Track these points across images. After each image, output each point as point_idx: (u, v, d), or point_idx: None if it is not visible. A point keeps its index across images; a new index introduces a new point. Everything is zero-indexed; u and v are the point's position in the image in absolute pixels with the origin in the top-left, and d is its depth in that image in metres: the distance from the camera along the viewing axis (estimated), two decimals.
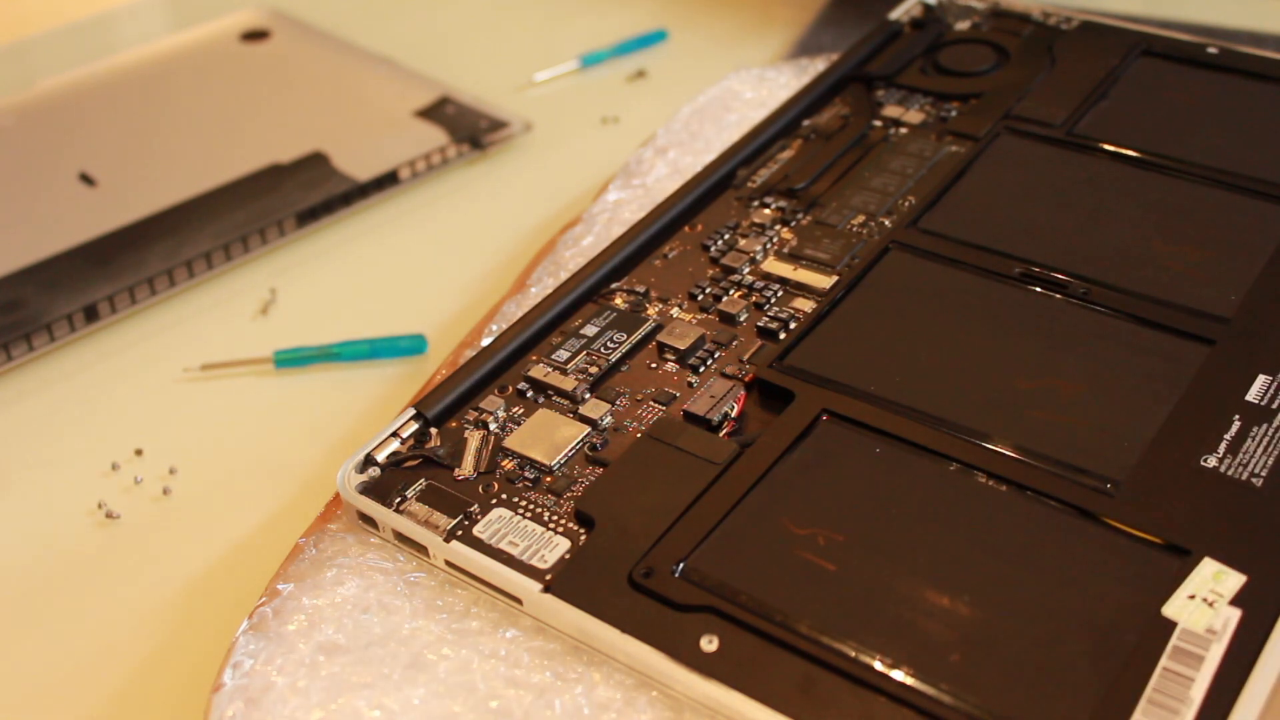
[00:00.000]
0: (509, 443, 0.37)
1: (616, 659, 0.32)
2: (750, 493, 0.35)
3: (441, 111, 0.59)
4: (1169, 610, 0.31)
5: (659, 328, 0.41)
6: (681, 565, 0.33)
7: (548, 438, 0.37)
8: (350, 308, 0.50)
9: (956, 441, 0.35)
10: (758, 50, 0.64)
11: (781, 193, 0.47)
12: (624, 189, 0.51)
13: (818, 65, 0.57)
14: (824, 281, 0.42)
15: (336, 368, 0.47)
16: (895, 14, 0.56)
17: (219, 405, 0.46)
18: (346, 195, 0.54)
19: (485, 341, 0.42)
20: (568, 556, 0.34)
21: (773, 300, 0.42)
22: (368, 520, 0.36)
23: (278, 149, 0.56)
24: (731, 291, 0.42)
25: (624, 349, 0.40)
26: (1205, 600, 0.31)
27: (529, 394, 0.39)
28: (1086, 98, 0.49)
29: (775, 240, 0.45)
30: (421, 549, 0.35)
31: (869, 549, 0.33)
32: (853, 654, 0.30)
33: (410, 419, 0.38)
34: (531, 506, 0.35)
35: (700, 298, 0.42)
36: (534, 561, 0.34)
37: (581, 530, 0.34)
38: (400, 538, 0.35)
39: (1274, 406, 0.36)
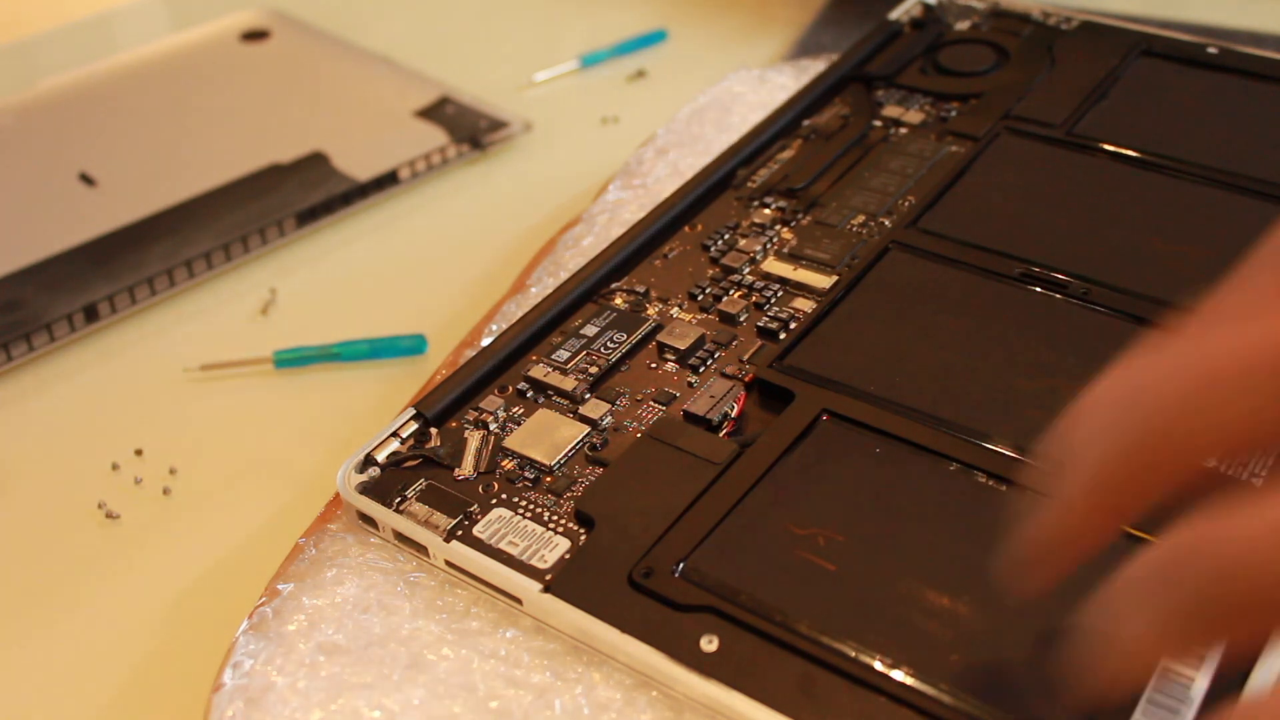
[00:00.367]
0: (509, 443, 0.37)
1: (616, 659, 0.32)
2: (750, 493, 0.35)
3: (441, 111, 0.59)
4: None
5: (659, 328, 0.41)
6: (681, 565, 0.33)
7: (548, 438, 0.37)
8: (350, 308, 0.50)
9: (956, 441, 0.35)
10: (758, 50, 0.64)
11: (781, 193, 0.47)
12: (624, 189, 0.51)
13: (818, 65, 0.57)
14: (824, 281, 0.42)
15: (336, 368, 0.47)
16: (895, 14, 0.56)
17: (219, 405, 0.46)
18: (346, 195, 0.54)
19: (485, 341, 0.42)
20: (567, 556, 0.34)
21: (773, 300, 0.42)
22: (368, 520, 0.36)
23: (278, 149, 0.56)
24: (731, 291, 0.42)
25: (624, 349, 0.40)
26: None
27: (529, 394, 0.39)
28: (1086, 98, 0.49)
29: (775, 240, 0.45)
30: (421, 549, 0.35)
31: (869, 549, 0.33)
32: (853, 654, 0.30)
33: (410, 419, 0.38)
34: (531, 506, 0.35)
35: (700, 298, 0.42)
36: (534, 561, 0.34)
37: (581, 530, 0.34)
38: (400, 538, 0.35)
39: None
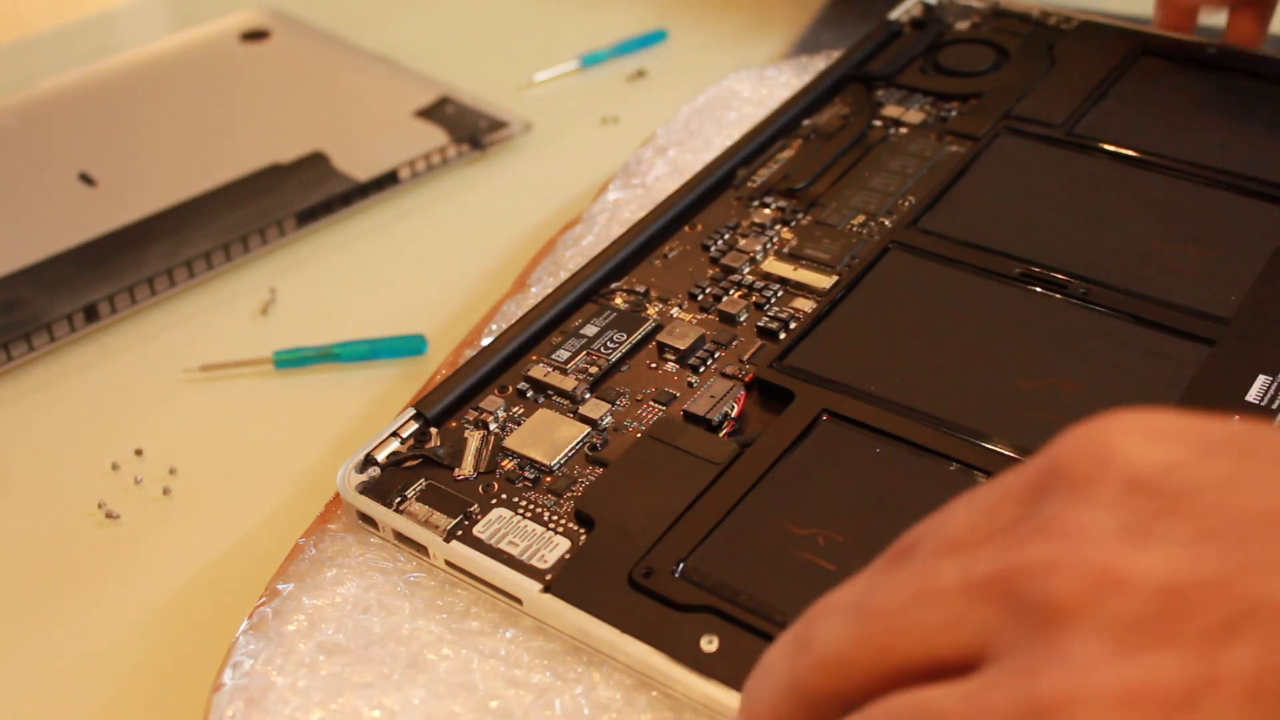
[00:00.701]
0: (509, 443, 0.37)
1: (616, 659, 0.32)
2: (750, 493, 0.35)
3: (441, 111, 0.59)
4: None
5: (659, 328, 0.41)
6: (681, 565, 0.33)
7: (548, 438, 0.37)
8: (350, 308, 0.50)
9: (956, 441, 0.35)
10: (758, 50, 0.64)
11: (781, 193, 0.47)
12: (624, 189, 0.51)
13: (818, 64, 0.57)
14: (824, 281, 0.42)
15: (336, 368, 0.47)
16: (895, 14, 0.56)
17: (219, 405, 0.46)
18: (346, 195, 0.54)
19: (485, 341, 0.42)
20: (568, 556, 0.34)
21: (773, 300, 0.42)
22: (368, 520, 0.36)
23: (278, 149, 0.56)
24: (731, 291, 0.42)
25: (624, 349, 0.40)
26: None
27: (529, 394, 0.39)
28: (1086, 98, 0.49)
29: (775, 240, 0.45)
30: (421, 549, 0.35)
31: (869, 549, 0.33)
32: None
33: (410, 419, 0.38)
34: (531, 506, 0.35)
35: (700, 298, 0.42)
36: (534, 561, 0.34)
37: (581, 530, 0.34)
38: (400, 538, 0.35)
39: (1274, 407, 0.36)
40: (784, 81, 0.56)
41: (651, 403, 0.38)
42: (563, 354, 0.40)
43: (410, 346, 0.47)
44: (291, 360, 0.47)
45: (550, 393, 0.39)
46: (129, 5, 0.73)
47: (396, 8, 0.71)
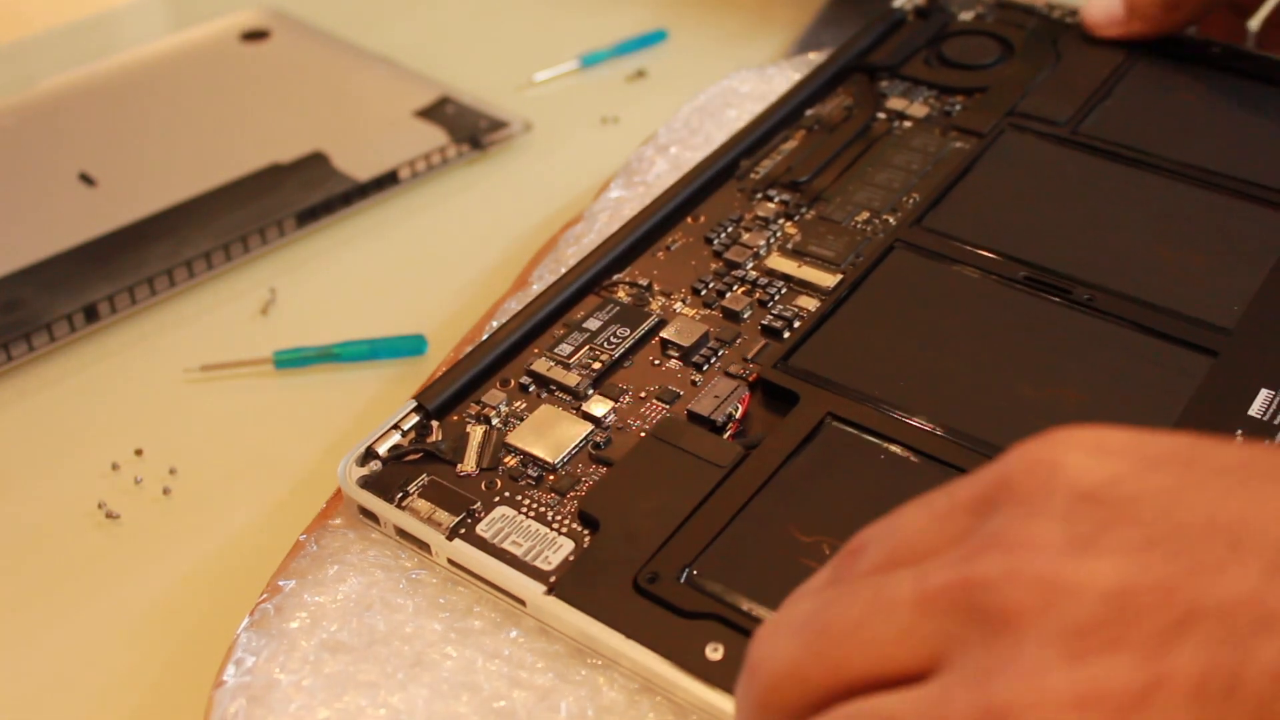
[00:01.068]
0: (511, 439, 0.37)
1: (620, 664, 0.32)
2: (755, 498, 0.34)
3: (441, 111, 0.58)
4: None
5: (662, 323, 0.41)
6: (687, 571, 0.33)
7: (550, 434, 0.37)
8: (350, 308, 0.50)
9: (962, 449, 0.35)
10: (758, 50, 0.64)
11: (785, 185, 0.46)
12: (625, 187, 0.51)
13: (820, 61, 0.56)
14: (828, 280, 0.42)
15: (336, 368, 0.47)
16: (899, 1, 0.55)
17: (219, 405, 0.46)
18: (346, 195, 0.54)
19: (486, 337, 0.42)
20: (572, 558, 0.33)
21: (776, 297, 0.42)
22: (369, 515, 0.36)
23: (278, 149, 0.56)
24: (735, 287, 0.42)
25: (627, 345, 0.40)
26: None
27: (531, 388, 0.39)
28: (1091, 95, 0.49)
29: (779, 235, 0.44)
30: (424, 546, 0.35)
31: None
32: None
33: (411, 411, 0.37)
34: (535, 505, 0.35)
35: (704, 293, 0.42)
36: (538, 563, 0.33)
37: (585, 531, 0.34)
38: (402, 534, 0.35)
39: (1276, 422, 0.35)
40: (785, 81, 0.56)
41: (655, 400, 0.38)
42: (565, 348, 0.40)
43: (410, 346, 0.47)
44: (291, 360, 0.46)
45: (553, 387, 0.39)
46: (129, 5, 0.73)
47: (396, 8, 0.71)
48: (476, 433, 0.37)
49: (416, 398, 0.38)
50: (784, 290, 0.42)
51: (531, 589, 0.33)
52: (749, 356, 0.39)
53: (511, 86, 0.63)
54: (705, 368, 0.39)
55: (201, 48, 0.64)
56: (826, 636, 0.23)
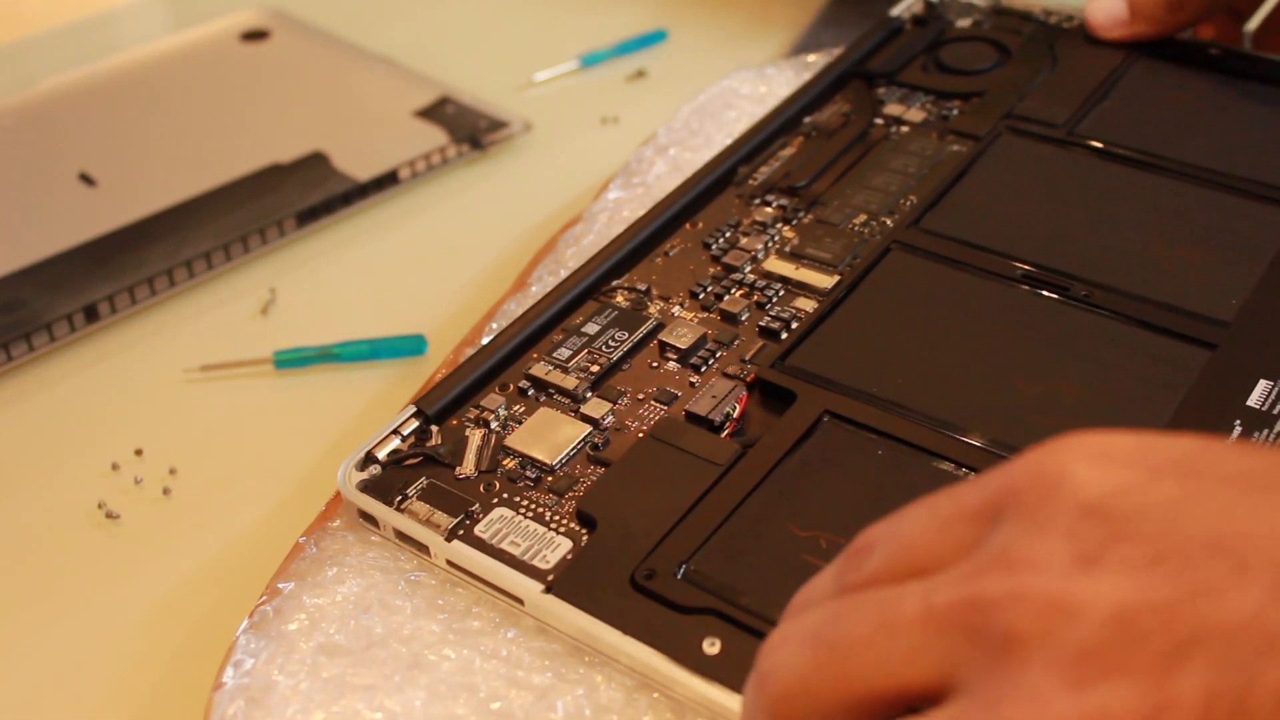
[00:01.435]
0: (510, 441, 0.37)
1: (618, 661, 0.32)
2: (752, 495, 0.35)
3: (441, 111, 0.58)
4: None
5: (660, 326, 0.41)
6: (684, 567, 0.33)
7: (549, 436, 0.37)
8: (350, 308, 0.50)
9: (959, 445, 0.35)
10: (758, 50, 0.64)
11: (783, 190, 0.47)
12: (625, 188, 0.51)
13: (819, 62, 0.57)
14: (825, 281, 0.42)
15: (336, 368, 0.47)
16: (896, 10, 0.55)
17: (219, 405, 0.46)
18: (346, 195, 0.54)
19: (486, 340, 0.42)
20: (569, 557, 0.34)
21: (774, 300, 0.42)
22: (368, 518, 0.36)
23: (278, 149, 0.56)
24: (733, 290, 0.42)
25: (625, 348, 0.40)
26: None
27: (530, 392, 0.39)
28: (1088, 98, 0.49)
29: (777, 239, 0.44)
30: (423, 548, 0.35)
31: None
32: None
33: (411, 416, 0.38)
34: (533, 506, 0.35)
35: (702, 296, 0.42)
36: (535, 562, 0.34)
37: (583, 531, 0.34)
38: (401, 536, 0.35)
39: (1275, 412, 0.36)
40: (784, 81, 0.56)
41: (653, 402, 0.38)
42: (564, 352, 0.40)
43: (410, 346, 0.47)
44: (291, 360, 0.47)
45: (551, 391, 0.39)
46: (129, 5, 0.73)
47: (396, 8, 0.71)
48: (475, 436, 0.37)
49: (416, 403, 0.38)
50: (782, 292, 0.42)
51: (529, 588, 0.33)
52: (747, 357, 0.40)
53: (511, 86, 0.63)
54: (703, 369, 0.39)
55: (201, 48, 0.64)
56: (835, 653, 0.23)
